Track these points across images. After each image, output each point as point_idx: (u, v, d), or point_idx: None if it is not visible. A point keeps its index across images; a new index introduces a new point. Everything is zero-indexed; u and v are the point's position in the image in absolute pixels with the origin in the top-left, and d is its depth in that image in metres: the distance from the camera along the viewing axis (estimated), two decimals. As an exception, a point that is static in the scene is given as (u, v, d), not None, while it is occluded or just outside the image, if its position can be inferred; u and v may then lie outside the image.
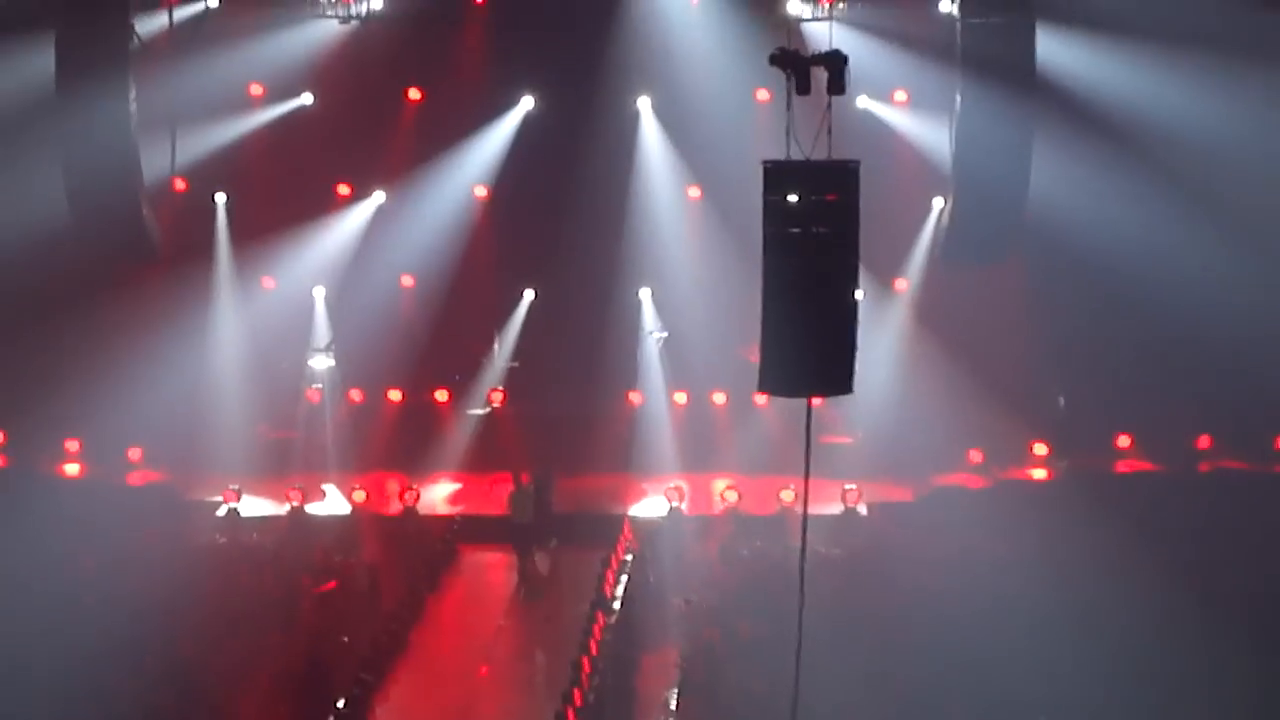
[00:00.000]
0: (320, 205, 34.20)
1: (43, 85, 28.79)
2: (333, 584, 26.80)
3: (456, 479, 33.34)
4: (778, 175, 16.55)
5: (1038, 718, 21.93)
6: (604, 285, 33.80)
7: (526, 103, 34.31)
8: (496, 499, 29.94)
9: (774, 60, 17.08)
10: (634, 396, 34.12)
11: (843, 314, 16.58)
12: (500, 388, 34.60)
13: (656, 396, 34.00)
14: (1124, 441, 33.21)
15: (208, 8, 32.57)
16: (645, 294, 34.31)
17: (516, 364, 34.80)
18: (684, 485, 31.16)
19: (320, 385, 33.96)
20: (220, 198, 34.00)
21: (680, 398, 34.07)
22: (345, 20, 33.04)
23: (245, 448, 32.94)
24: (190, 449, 32.56)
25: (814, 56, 17.08)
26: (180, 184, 33.00)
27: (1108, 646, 23.49)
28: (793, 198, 16.42)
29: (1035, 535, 27.21)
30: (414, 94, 34.57)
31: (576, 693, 21.73)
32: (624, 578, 26.61)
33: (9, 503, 28.42)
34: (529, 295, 34.90)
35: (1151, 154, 31.16)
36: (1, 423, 33.08)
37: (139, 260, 30.94)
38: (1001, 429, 32.60)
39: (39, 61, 28.88)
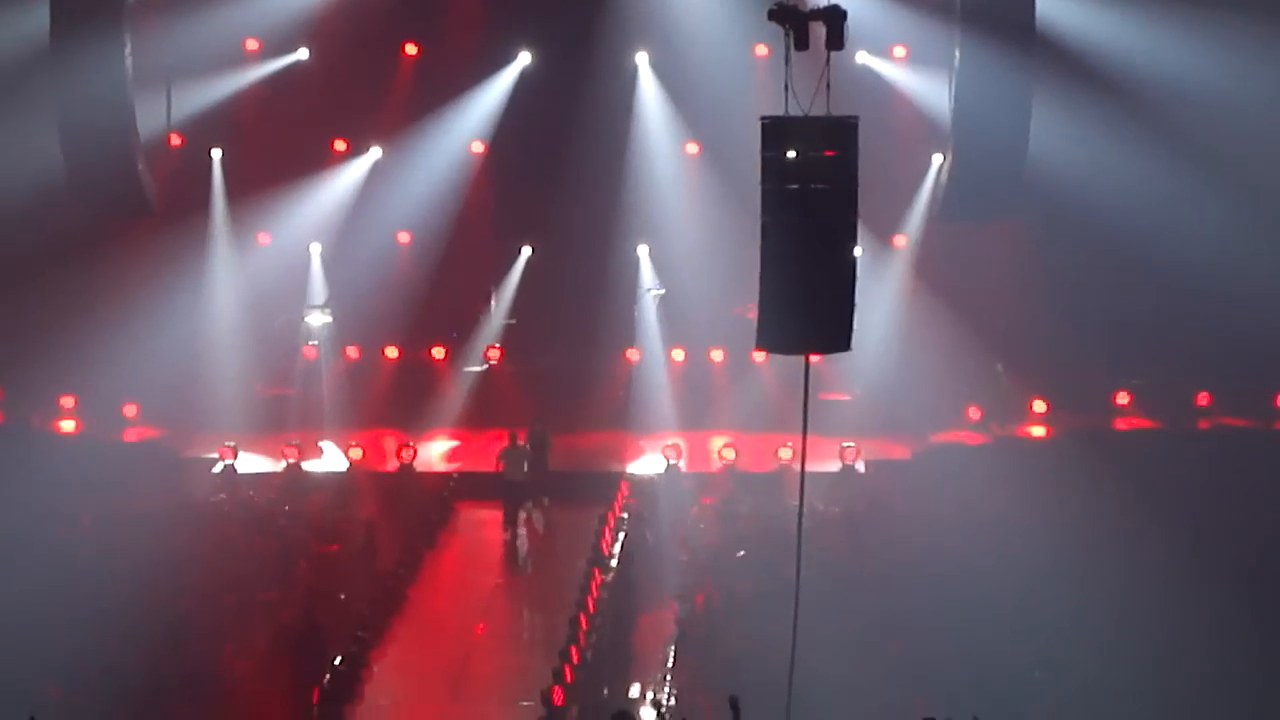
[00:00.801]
0: (316, 161, 34.07)
1: (37, 40, 28.61)
2: (335, 546, 26.81)
3: (453, 436, 33.29)
4: (776, 131, 16.44)
5: (1032, 673, 21.95)
6: (602, 242, 33.68)
7: (524, 58, 34.13)
8: (492, 456, 29.88)
9: (772, 15, 16.97)
10: (631, 354, 34.02)
11: (841, 271, 16.48)
12: (497, 344, 34.48)
13: (654, 354, 33.89)
14: (1123, 399, 33.14)
15: (203, -38, 32.44)
16: (643, 251, 34.18)
17: (513, 321, 34.70)
18: (682, 443, 31.09)
19: (317, 342, 33.85)
20: (216, 153, 33.89)
21: (678, 355, 33.97)
22: (341, -25, 32.92)
23: (242, 405, 32.86)
24: (186, 406, 32.51)
25: (813, 11, 16.99)
26: (176, 140, 32.91)
27: (1105, 603, 23.49)
28: (791, 154, 16.33)
29: (1034, 492, 27.20)
30: (411, 49, 34.43)
31: (574, 650, 21.75)
32: (621, 535, 26.59)
33: (4, 460, 28.31)
34: (526, 252, 34.80)
35: (1151, 109, 31.07)
36: (-3, 379, 33.04)
37: (134, 216, 30.81)
38: (1000, 386, 32.55)
39: (34, 17, 28.70)
